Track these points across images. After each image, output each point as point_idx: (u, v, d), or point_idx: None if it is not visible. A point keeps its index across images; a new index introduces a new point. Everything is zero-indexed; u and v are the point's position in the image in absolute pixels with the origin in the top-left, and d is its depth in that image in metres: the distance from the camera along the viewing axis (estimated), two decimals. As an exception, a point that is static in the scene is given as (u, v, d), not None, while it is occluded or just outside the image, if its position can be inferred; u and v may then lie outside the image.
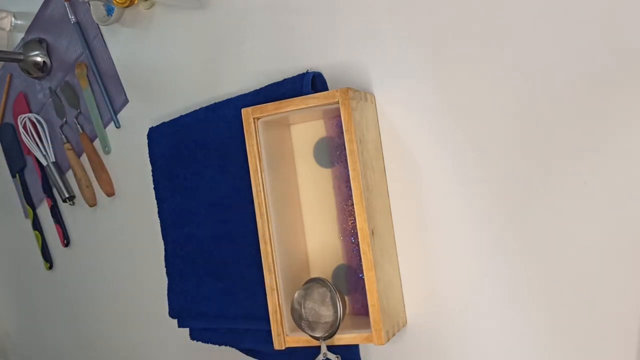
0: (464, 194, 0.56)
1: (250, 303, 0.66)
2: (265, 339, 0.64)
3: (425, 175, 0.58)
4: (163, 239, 0.76)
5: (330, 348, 0.57)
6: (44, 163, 0.94)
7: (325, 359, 0.56)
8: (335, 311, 0.55)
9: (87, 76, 0.88)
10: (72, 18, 0.88)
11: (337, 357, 0.56)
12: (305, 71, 0.63)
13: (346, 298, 0.61)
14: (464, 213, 0.56)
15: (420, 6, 0.57)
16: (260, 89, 0.65)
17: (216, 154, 0.68)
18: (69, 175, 0.94)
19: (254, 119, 0.59)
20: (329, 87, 0.63)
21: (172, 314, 0.75)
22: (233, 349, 0.73)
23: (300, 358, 0.63)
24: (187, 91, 0.76)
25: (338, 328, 0.55)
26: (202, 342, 0.73)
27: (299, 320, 0.56)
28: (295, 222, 0.63)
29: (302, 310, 0.56)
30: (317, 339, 0.56)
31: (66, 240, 0.96)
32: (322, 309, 0.56)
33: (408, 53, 0.58)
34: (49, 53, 0.94)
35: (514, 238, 0.54)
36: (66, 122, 0.93)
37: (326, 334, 0.56)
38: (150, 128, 0.76)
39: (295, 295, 0.57)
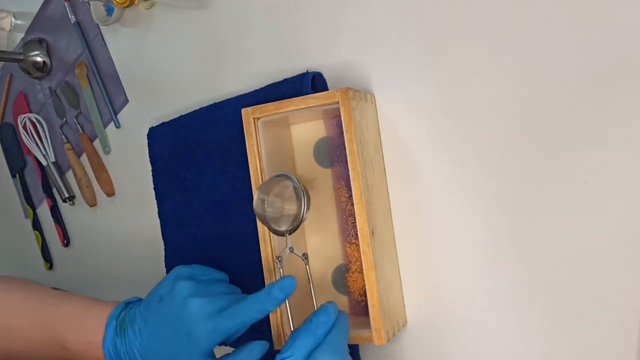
0: (464, 194, 0.56)
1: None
2: (265, 339, 0.64)
3: (425, 175, 0.58)
4: (163, 239, 0.76)
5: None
6: (44, 163, 0.94)
7: (291, 253, 0.56)
8: (299, 203, 0.54)
9: (87, 76, 0.88)
10: (72, 18, 0.88)
11: (305, 255, 0.56)
12: (305, 71, 0.63)
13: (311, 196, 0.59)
14: (464, 213, 0.56)
15: (421, 7, 0.57)
16: (260, 89, 0.65)
17: (216, 154, 0.68)
18: (69, 175, 0.94)
19: (254, 119, 0.59)
20: (329, 87, 0.63)
21: (172, 314, 0.75)
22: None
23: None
24: (187, 91, 0.76)
25: (302, 220, 0.55)
26: (202, 342, 0.73)
27: (263, 218, 0.56)
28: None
29: (265, 205, 0.55)
30: (281, 233, 0.56)
31: (66, 240, 0.96)
32: (285, 202, 0.55)
33: (409, 53, 0.58)
34: (49, 53, 0.94)
35: (514, 238, 0.54)
36: (66, 122, 0.93)
37: (290, 227, 0.55)
38: (150, 128, 0.76)
39: (257, 191, 0.56)
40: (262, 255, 0.59)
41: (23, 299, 0.62)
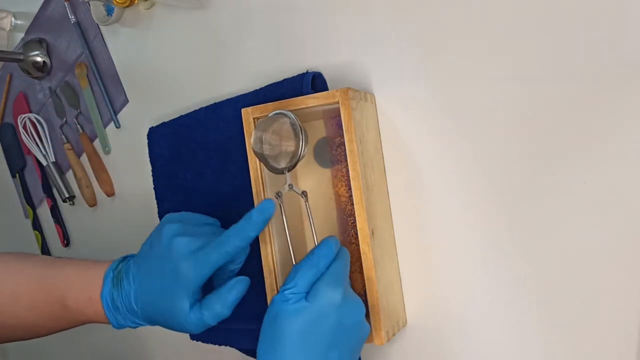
0: (464, 194, 0.56)
1: (251, 303, 0.66)
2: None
3: (425, 175, 0.58)
4: (163, 239, 0.76)
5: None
6: (44, 163, 0.94)
7: (290, 190, 0.56)
8: (297, 139, 0.54)
9: (87, 76, 0.88)
10: (72, 18, 0.88)
11: (304, 192, 0.56)
12: (305, 71, 0.63)
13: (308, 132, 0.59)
14: (464, 213, 0.56)
15: (421, 7, 0.57)
16: (260, 89, 0.65)
17: (216, 154, 0.68)
18: (69, 175, 0.94)
19: (254, 119, 0.59)
20: (329, 87, 0.63)
21: (172, 314, 0.75)
22: (233, 349, 0.73)
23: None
24: (187, 91, 0.76)
25: (301, 157, 0.55)
26: (202, 342, 0.73)
27: (261, 156, 0.55)
28: (294, 222, 0.63)
29: (262, 143, 0.54)
30: (280, 171, 0.56)
31: (66, 240, 0.96)
32: (283, 139, 0.55)
33: (408, 53, 0.58)
34: (49, 53, 0.94)
35: (514, 238, 0.54)
36: (66, 122, 0.93)
37: (289, 164, 0.55)
38: (150, 128, 0.76)
39: (254, 130, 0.55)
40: (262, 255, 0.59)
41: (27, 265, 0.63)
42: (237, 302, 0.56)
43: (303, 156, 0.55)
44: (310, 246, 0.63)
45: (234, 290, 0.55)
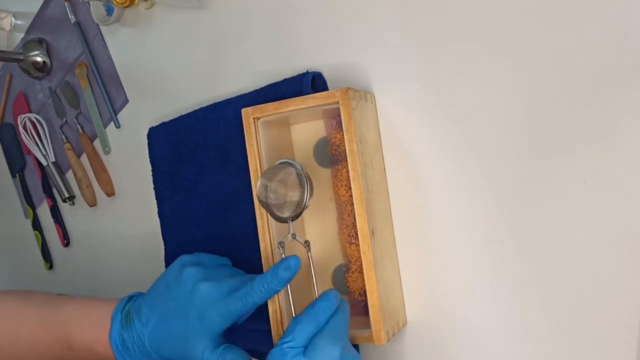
0: (464, 194, 0.56)
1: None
2: (265, 339, 0.64)
3: (425, 175, 0.58)
4: (163, 239, 0.76)
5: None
6: (44, 163, 0.94)
7: (293, 239, 0.56)
8: (302, 190, 0.55)
9: (87, 76, 0.88)
10: (72, 18, 0.88)
11: (307, 242, 0.56)
12: (305, 71, 0.63)
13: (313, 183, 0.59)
14: (464, 212, 0.56)
15: (421, 7, 0.57)
16: (260, 89, 0.65)
17: (216, 154, 0.68)
18: (69, 175, 0.94)
19: (254, 119, 0.59)
20: (329, 87, 0.63)
21: (172, 314, 0.75)
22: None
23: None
24: (187, 91, 0.76)
25: (305, 207, 0.55)
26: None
27: (265, 204, 0.56)
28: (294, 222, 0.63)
29: (268, 192, 0.55)
30: (284, 220, 0.56)
31: (66, 240, 0.96)
32: (288, 189, 0.55)
33: (408, 53, 0.58)
34: (49, 53, 0.94)
35: (514, 238, 0.54)
36: (66, 122, 0.93)
37: (293, 214, 0.55)
38: (150, 128, 0.76)
39: (260, 178, 0.56)
40: (262, 255, 0.59)
41: (28, 306, 0.63)
42: None
43: (307, 206, 0.55)
44: (310, 296, 0.63)
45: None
